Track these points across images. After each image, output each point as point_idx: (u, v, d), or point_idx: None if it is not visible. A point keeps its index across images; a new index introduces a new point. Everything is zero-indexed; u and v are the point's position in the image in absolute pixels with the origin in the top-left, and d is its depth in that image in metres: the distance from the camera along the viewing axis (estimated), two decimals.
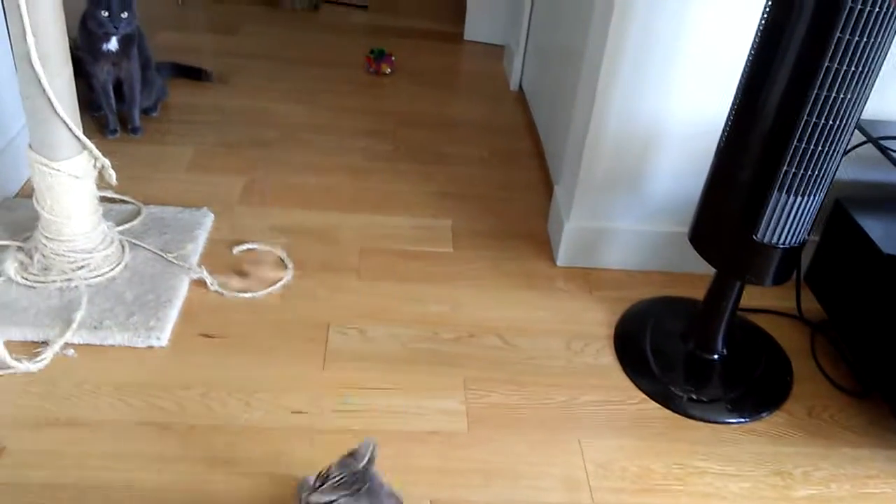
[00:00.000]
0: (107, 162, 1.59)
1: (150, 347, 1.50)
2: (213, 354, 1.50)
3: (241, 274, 1.72)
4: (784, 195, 1.30)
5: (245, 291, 1.67)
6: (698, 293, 1.62)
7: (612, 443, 1.40)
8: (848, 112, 1.22)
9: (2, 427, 1.30)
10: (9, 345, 1.44)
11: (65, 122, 1.47)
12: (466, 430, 1.40)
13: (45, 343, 1.46)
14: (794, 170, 1.27)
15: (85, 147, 1.54)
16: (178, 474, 1.26)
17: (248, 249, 1.80)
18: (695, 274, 1.81)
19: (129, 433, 1.33)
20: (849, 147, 1.32)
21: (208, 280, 1.67)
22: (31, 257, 1.61)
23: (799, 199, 1.30)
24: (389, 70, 2.80)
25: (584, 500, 1.29)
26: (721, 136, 1.39)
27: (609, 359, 1.59)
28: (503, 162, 2.30)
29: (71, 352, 1.46)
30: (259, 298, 1.65)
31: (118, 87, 2.18)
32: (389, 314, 1.66)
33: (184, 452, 1.30)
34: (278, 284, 1.69)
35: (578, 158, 1.75)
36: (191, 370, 1.46)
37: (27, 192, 1.87)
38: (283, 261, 1.77)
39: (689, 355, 1.61)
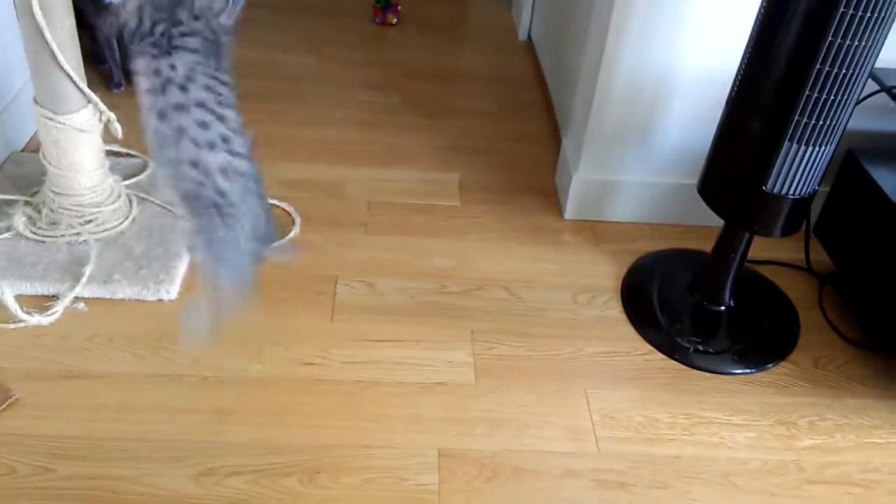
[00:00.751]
0: (112, 115, 1.58)
1: (160, 301, 1.51)
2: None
3: None
4: (795, 145, 1.28)
5: None
6: (707, 245, 1.62)
7: (619, 393, 1.41)
8: (861, 60, 1.19)
9: (14, 379, 1.31)
10: (19, 299, 1.45)
11: (68, 74, 1.46)
12: (474, 381, 1.41)
13: (55, 297, 1.48)
14: (805, 119, 1.25)
15: (89, 100, 1.53)
16: (189, 425, 1.28)
17: None
18: (703, 226, 1.80)
19: (141, 385, 1.34)
20: (862, 96, 1.29)
21: None
22: (39, 212, 1.62)
23: (810, 149, 1.29)
24: (396, 20, 2.76)
25: (590, 450, 1.31)
26: (732, 86, 1.36)
27: (616, 311, 1.59)
28: (511, 114, 2.27)
29: (81, 305, 1.47)
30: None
31: (122, 39, 2.16)
32: (397, 267, 1.66)
33: (195, 404, 1.32)
34: (285, 239, 1.69)
35: (587, 110, 1.73)
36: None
37: (34, 147, 1.86)
38: (290, 214, 1.77)
39: (696, 307, 1.61)
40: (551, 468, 1.27)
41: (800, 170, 1.31)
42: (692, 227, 1.83)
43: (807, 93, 1.22)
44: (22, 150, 1.89)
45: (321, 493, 1.20)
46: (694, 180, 1.54)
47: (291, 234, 1.71)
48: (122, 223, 1.65)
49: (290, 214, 1.77)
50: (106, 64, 2.18)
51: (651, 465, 1.29)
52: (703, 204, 1.46)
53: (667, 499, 1.24)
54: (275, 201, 1.80)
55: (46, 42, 1.40)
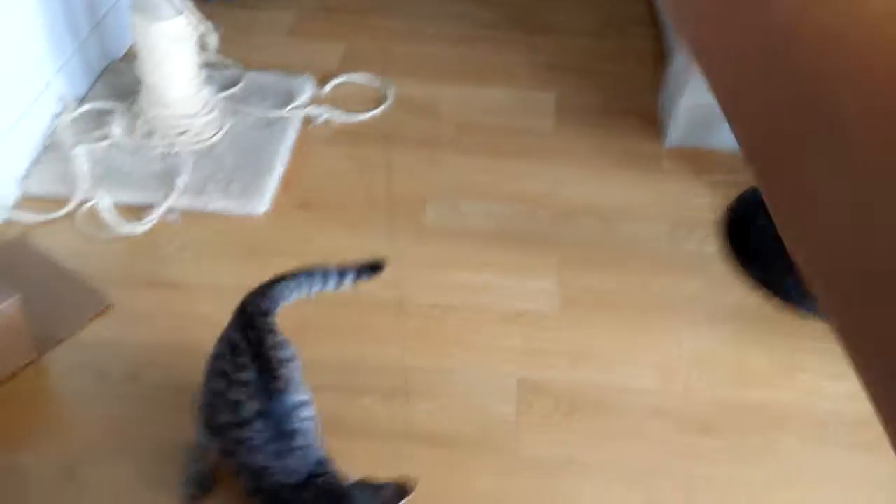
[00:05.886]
0: (206, 27, 1.57)
1: (250, 214, 1.52)
2: (310, 223, 1.52)
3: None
4: None
5: (353, 114, 1.77)
6: None
7: (713, 333, 1.35)
8: None
9: (108, 286, 1.35)
10: (115, 207, 1.48)
11: None
12: (559, 311, 1.37)
13: (149, 206, 1.50)
14: None
15: (181, 11, 1.51)
16: None
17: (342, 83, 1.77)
18: None
19: (228, 297, 1.34)
20: None
21: (315, 111, 1.74)
22: (135, 122, 1.64)
23: None
24: None
25: (677, 391, 1.26)
26: None
27: (715, 247, 1.51)
28: (614, 32, 2.14)
29: (174, 216, 1.50)
30: (357, 172, 1.64)
31: None
32: (486, 191, 1.61)
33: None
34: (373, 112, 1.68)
35: None
36: (288, 238, 1.48)
37: (133, 57, 1.88)
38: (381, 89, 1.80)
39: None
40: (635, 407, 1.23)
41: None
42: None
43: None
44: (120, 60, 1.91)
45: (397, 414, 1.20)
46: None
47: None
48: (215, 135, 1.65)
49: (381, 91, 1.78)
50: None
51: (741, 411, 1.23)
52: None
53: (755, 446, 1.19)
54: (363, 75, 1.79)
55: None
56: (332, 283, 1.10)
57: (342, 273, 1.11)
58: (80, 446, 1.13)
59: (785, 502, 1.13)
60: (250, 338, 0.97)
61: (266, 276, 1.38)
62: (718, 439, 1.19)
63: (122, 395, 1.20)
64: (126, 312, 1.32)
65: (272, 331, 0.99)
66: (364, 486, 0.89)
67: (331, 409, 1.19)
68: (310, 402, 0.98)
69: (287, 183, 1.59)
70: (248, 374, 0.94)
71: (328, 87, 1.85)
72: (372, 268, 1.12)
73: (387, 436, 1.16)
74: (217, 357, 1.00)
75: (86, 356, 1.25)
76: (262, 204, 1.53)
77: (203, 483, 1.07)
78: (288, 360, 0.97)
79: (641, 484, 1.14)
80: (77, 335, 1.26)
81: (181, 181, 1.53)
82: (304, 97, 1.79)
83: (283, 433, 0.93)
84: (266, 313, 1.01)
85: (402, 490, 0.88)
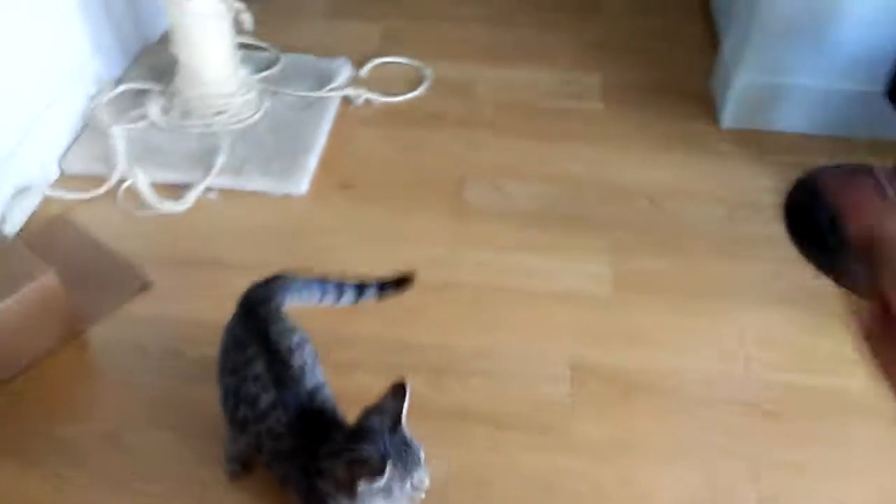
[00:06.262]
0: (241, 6, 1.53)
1: (289, 195, 1.48)
2: (350, 204, 1.48)
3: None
4: None
5: (391, 96, 1.72)
6: (886, 162, 1.42)
7: (776, 317, 1.28)
8: None
9: (148, 264, 1.32)
10: (153, 186, 1.45)
11: None
12: (611, 293, 1.31)
13: (187, 186, 1.47)
14: None
15: None
16: (315, 317, 1.24)
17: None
18: (882, 140, 1.58)
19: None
20: None
21: (353, 93, 1.70)
22: (172, 102, 1.61)
23: None
24: None
25: (737, 373, 1.19)
26: None
27: (778, 229, 1.43)
28: (662, 10, 2.07)
29: (213, 195, 1.46)
30: (395, 153, 1.60)
31: None
32: (529, 172, 1.56)
33: None
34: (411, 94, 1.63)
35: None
36: (329, 218, 1.44)
37: (168, 40, 1.85)
38: (419, 70, 1.77)
39: None
40: (693, 389, 1.17)
41: None
42: (869, 141, 1.60)
43: None
44: (157, 42, 1.88)
45: (447, 394, 1.15)
46: (877, 87, 1.33)
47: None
48: (253, 115, 1.62)
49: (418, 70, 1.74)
50: None
51: (805, 395, 1.16)
52: (886, 114, 1.27)
53: (821, 432, 1.12)
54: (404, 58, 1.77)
55: None
56: (348, 296, 1.07)
57: (361, 288, 1.07)
58: (123, 418, 1.11)
59: (850, 490, 1.06)
60: (253, 330, 0.94)
61: (306, 255, 1.35)
62: (781, 423, 1.13)
63: (163, 371, 1.17)
64: (166, 290, 1.28)
65: (276, 319, 0.96)
66: (370, 412, 0.87)
67: (378, 388, 1.14)
68: (325, 383, 0.95)
69: (326, 163, 1.55)
70: (258, 367, 0.91)
71: (366, 69, 1.81)
72: (397, 283, 1.08)
73: (435, 414, 1.12)
74: (224, 352, 0.97)
75: (126, 332, 1.22)
76: (301, 184, 1.49)
77: (242, 461, 1.04)
78: (298, 346, 0.94)
79: (700, 468, 1.08)
80: (117, 311, 1.24)
81: (219, 161, 1.50)
82: (342, 79, 1.75)
83: (306, 416, 0.90)
84: (267, 300, 0.98)
85: (399, 392, 0.87)
